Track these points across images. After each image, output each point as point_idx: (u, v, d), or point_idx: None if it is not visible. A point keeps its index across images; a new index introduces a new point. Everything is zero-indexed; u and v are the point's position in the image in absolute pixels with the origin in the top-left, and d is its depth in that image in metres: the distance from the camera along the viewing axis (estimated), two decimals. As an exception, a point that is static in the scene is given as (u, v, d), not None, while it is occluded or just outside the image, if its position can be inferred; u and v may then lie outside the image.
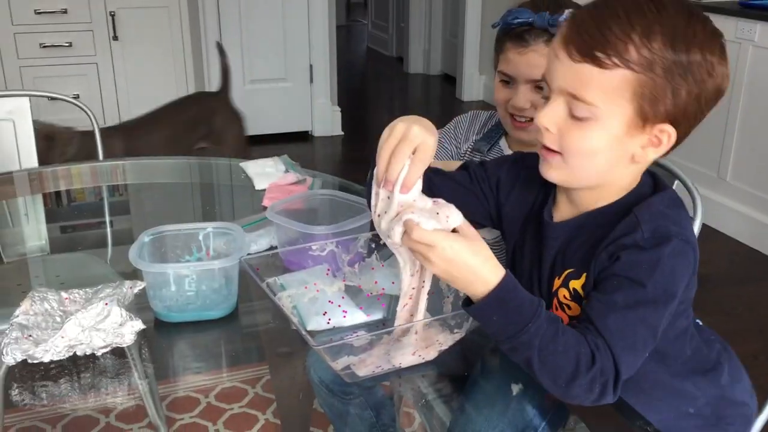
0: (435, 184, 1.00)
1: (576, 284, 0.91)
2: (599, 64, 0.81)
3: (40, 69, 3.86)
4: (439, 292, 1.05)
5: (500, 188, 1.02)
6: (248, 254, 1.12)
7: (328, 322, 1.06)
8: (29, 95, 2.00)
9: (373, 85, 6.15)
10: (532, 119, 1.27)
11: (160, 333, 1.09)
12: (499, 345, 0.84)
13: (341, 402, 1.33)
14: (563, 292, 0.92)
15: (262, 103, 4.31)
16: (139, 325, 0.98)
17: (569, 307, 0.92)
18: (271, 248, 1.28)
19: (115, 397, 0.97)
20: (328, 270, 1.11)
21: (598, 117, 0.83)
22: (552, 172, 0.90)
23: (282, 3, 4.16)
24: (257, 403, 1.90)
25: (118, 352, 0.99)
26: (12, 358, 0.93)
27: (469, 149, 1.46)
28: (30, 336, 0.96)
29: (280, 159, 1.71)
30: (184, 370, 1.12)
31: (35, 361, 0.94)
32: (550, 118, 0.86)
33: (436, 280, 1.06)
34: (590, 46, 0.81)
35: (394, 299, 1.10)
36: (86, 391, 0.96)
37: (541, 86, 1.23)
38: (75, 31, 3.87)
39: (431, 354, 0.97)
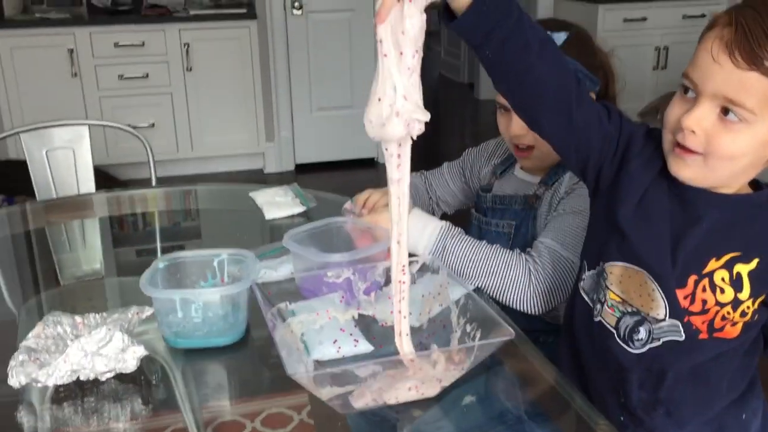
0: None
1: (743, 269, 0.92)
2: (767, 73, 0.83)
3: (118, 100, 4.04)
4: (449, 326, 1.01)
5: (632, 143, 1.00)
6: (264, 282, 1.11)
7: (338, 351, 1.03)
8: (88, 124, 2.09)
9: (444, 112, 6.12)
10: (531, 146, 1.30)
11: (189, 360, 1.08)
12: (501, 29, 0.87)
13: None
14: (722, 274, 0.92)
15: (328, 129, 4.37)
16: (140, 351, 0.98)
17: (722, 291, 0.93)
18: (295, 276, 1.26)
19: (117, 422, 0.97)
20: (342, 297, 1.08)
21: (751, 123, 0.85)
22: (686, 170, 0.91)
23: (349, 31, 4.23)
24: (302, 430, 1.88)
25: (122, 378, 0.99)
26: (17, 381, 0.94)
27: (488, 173, 1.46)
28: (37, 359, 0.97)
29: (289, 188, 1.70)
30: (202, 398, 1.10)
31: (39, 385, 0.95)
32: (699, 121, 0.87)
33: (446, 313, 1.02)
34: (761, 55, 0.82)
35: (414, 330, 1.07)
36: (89, 416, 0.96)
37: None
38: (151, 63, 4.03)
39: (432, 391, 0.93)
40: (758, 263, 0.91)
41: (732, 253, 0.92)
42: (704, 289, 0.93)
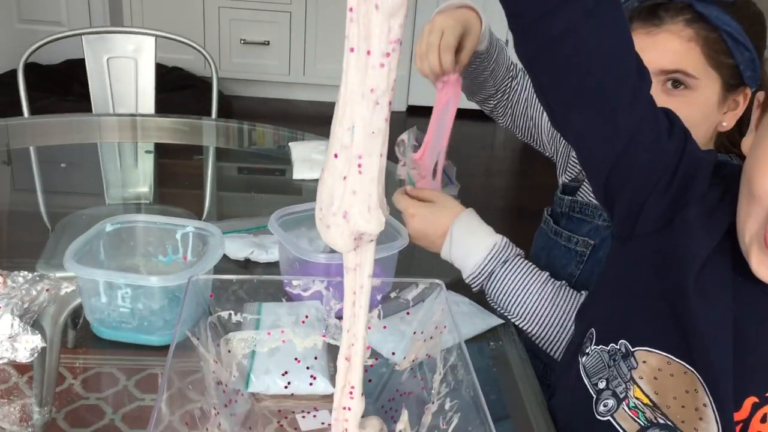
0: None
1: None
2: None
3: (236, 12, 3.89)
4: (428, 389, 0.73)
5: (696, 179, 0.67)
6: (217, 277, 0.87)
7: (286, 387, 0.78)
8: (155, 35, 1.90)
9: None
10: None
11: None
12: None
13: None
14: None
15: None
16: (36, 341, 0.77)
17: None
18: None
19: (1, 424, 0.77)
20: (306, 317, 0.82)
21: None
22: None
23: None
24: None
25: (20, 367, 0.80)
26: None
27: None
28: None
29: None
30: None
31: None
32: None
33: (432, 367, 0.74)
34: None
35: (393, 373, 0.80)
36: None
37: (676, 80, 0.90)
38: (275, -24, 3.84)
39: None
40: None
41: None
42: (764, 419, 0.61)
